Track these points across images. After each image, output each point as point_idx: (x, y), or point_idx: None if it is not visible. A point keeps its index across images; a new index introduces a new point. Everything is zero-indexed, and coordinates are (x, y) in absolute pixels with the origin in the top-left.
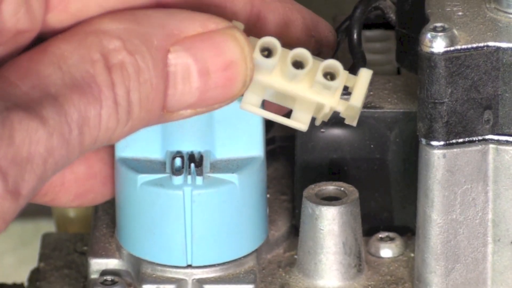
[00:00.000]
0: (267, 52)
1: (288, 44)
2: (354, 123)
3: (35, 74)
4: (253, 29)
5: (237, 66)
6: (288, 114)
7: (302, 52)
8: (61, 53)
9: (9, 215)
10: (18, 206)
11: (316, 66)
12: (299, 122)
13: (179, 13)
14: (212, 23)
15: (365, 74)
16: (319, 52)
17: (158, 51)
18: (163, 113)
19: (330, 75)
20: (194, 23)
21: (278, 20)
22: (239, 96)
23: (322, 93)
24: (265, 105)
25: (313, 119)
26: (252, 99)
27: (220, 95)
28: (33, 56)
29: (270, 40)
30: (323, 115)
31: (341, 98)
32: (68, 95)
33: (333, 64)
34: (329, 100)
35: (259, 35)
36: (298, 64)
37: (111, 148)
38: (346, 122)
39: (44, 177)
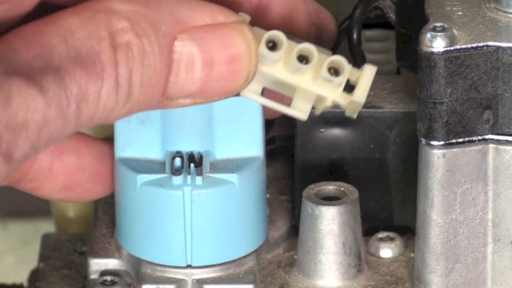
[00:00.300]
0: (272, 44)
1: (290, 31)
2: (355, 116)
3: (40, 44)
4: (257, 16)
5: (242, 61)
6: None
7: (307, 47)
8: (68, 26)
9: (0, 178)
10: (9, 169)
11: (321, 60)
12: (299, 111)
13: (190, 2)
14: (222, 15)
15: (369, 70)
16: (320, 39)
17: (165, 37)
18: (162, 99)
19: (334, 70)
20: (203, 14)
21: (282, 5)
22: (240, 90)
23: (325, 86)
24: (264, 93)
25: (313, 109)
26: (253, 87)
27: (221, 88)
28: (40, 26)
29: (277, 34)
30: (324, 106)
31: (344, 92)
32: (70, 69)
33: (338, 59)
34: (332, 93)
35: (263, 22)
36: (303, 58)
37: (103, 144)
38: (347, 114)
39: (37, 145)
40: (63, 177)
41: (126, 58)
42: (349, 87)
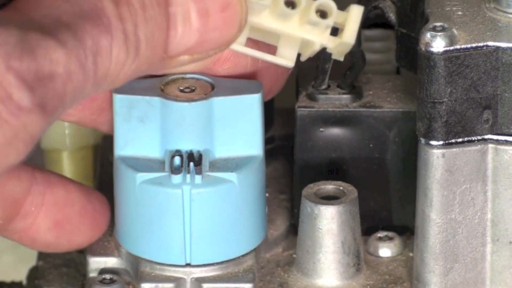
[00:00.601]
0: None
1: None
2: (341, 58)
3: (44, 5)
4: None
5: (234, 7)
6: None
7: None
8: None
9: (37, 130)
10: (44, 123)
11: (308, 4)
12: (285, 59)
13: None
14: None
15: (356, 10)
16: None
17: None
18: (164, 56)
19: (321, 13)
20: None
21: None
22: (234, 40)
23: (312, 31)
24: (249, 44)
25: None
26: (240, 39)
27: (217, 37)
28: None
29: None
30: (311, 52)
31: (331, 35)
32: (80, 24)
33: (326, 2)
34: (319, 37)
35: None
36: (289, 3)
37: (86, 186)
38: (333, 57)
39: (64, 101)
40: (55, 211)
41: (129, 12)
42: (335, 31)
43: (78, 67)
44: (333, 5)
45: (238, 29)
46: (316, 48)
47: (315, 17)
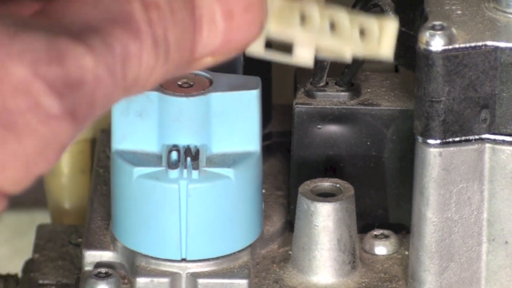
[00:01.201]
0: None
1: None
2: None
3: (73, 11)
4: None
5: (256, 7)
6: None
7: (338, 14)
8: None
9: (67, 139)
10: (74, 131)
11: (352, 24)
12: (303, 58)
13: None
14: None
15: (392, 25)
16: None
17: None
18: (191, 58)
19: (361, 29)
20: None
21: None
22: (255, 40)
23: (347, 42)
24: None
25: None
26: (258, 43)
27: (241, 38)
28: None
29: (309, 6)
30: (337, 56)
31: (362, 42)
32: (109, 28)
33: (367, 21)
34: (351, 46)
35: None
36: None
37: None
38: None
39: (94, 108)
40: None
41: (158, 16)
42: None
43: (107, 74)
44: (374, 24)
45: (259, 29)
46: (347, 56)
47: (357, 37)
